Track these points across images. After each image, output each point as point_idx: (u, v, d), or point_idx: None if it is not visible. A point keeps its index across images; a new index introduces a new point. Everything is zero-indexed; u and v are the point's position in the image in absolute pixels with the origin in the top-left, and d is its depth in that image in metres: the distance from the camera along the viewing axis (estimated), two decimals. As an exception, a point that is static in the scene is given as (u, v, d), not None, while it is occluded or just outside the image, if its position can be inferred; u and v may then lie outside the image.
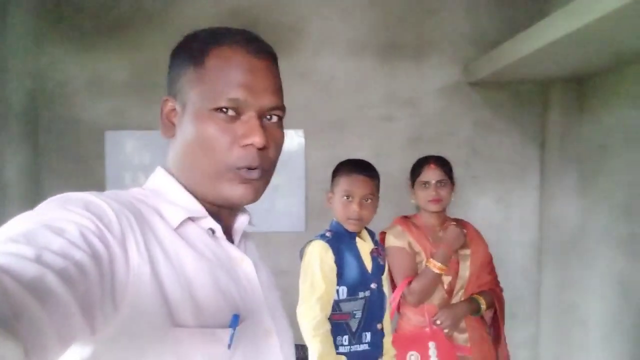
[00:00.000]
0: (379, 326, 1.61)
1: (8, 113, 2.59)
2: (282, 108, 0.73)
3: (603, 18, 1.69)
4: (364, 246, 1.64)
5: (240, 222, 0.79)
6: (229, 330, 0.63)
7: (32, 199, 2.65)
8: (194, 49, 0.71)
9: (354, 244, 1.62)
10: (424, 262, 1.80)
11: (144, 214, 0.66)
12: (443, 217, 1.93)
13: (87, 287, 0.49)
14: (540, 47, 2.10)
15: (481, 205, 2.92)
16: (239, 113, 0.69)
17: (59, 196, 0.60)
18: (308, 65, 2.87)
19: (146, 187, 0.75)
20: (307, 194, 2.89)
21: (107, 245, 0.55)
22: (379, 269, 1.67)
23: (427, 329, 1.76)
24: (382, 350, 1.64)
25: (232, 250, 0.73)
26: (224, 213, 0.75)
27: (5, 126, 2.59)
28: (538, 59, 2.33)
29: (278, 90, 0.73)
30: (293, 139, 2.88)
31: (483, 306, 1.81)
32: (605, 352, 2.55)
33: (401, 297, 1.82)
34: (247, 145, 0.68)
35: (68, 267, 0.48)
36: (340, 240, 1.59)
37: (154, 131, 2.83)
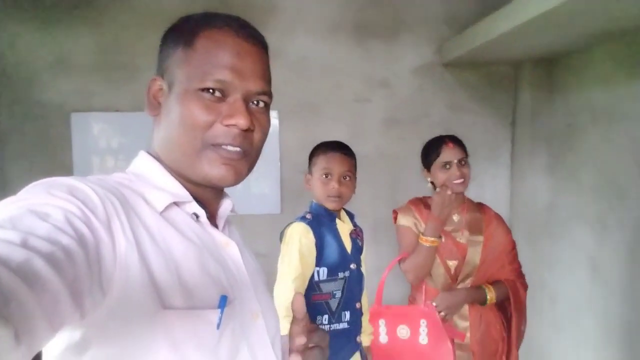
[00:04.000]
0: (357, 305, 1.63)
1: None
2: (269, 94, 0.75)
3: (574, -1, 1.70)
4: (344, 227, 1.65)
5: (224, 208, 0.80)
6: (218, 312, 0.64)
7: (-6, 185, 2.54)
8: (185, 30, 0.71)
9: (334, 225, 1.62)
10: None
11: (129, 199, 0.65)
12: (461, 199, 1.83)
13: (74, 272, 0.49)
14: (512, 28, 2.11)
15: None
16: (225, 95, 0.69)
17: (42, 181, 0.59)
18: (281, 45, 2.82)
19: (129, 171, 0.74)
20: (282, 175, 2.87)
21: (93, 230, 0.55)
22: (357, 250, 1.68)
23: (422, 306, 1.75)
24: (361, 328, 1.66)
25: (217, 234, 0.74)
26: (208, 198, 0.76)
27: (-38, 108, 2.46)
28: (510, 40, 2.35)
29: (266, 77, 0.74)
30: (267, 121, 2.83)
31: (489, 296, 1.74)
32: (574, 327, 2.64)
33: (413, 286, 1.82)
34: (230, 125, 0.69)
35: (55, 252, 0.47)
36: (321, 222, 1.60)
37: (122, 113, 2.74)
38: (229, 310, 0.66)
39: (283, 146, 2.85)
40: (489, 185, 3.05)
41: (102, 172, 2.10)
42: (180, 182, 0.72)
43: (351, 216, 1.74)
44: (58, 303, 0.46)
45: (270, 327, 0.76)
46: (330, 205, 1.60)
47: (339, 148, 1.62)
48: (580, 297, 2.58)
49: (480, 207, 1.90)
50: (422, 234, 1.74)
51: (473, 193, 2.96)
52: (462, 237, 1.80)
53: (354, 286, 1.62)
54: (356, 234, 1.70)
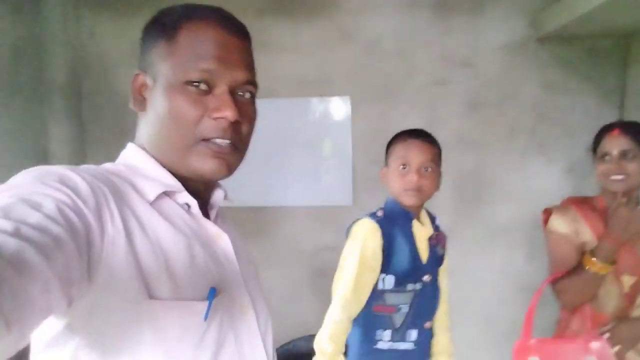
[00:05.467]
0: (427, 324, 1.41)
1: (50, 85, 2.57)
2: (254, 84, 0.75)
3: None
4: (421, 231, 1.43)
5: (216, 198, 0.80)
6: (206, 303, 0.64)
7: (76, 173, 2.65)
8: (167, 23, 0.71)
9: (410, 227, 1.41)
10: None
11: (119, 188, 0.65)
12: (635, 201, 1.48)
13: (64, 262, 0.50)
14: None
15: (548, 177, 2.61)
16: (210, 87, 0.69)
17: (33, 169, 0.59)
18: (352, 25, 2.63)
19: (118, 162, 0.74)
20: (354, 165, 2.70)
21: (84, 220, 0.56)
22: (435, 259, 1.45)
23: (584, 341, 1.38)
24: (430, 351, 1.46)
25: (209, 225, 0.74)
26: (199, 188, 0.75)
27: (48, 99, 2.57)
28: (619, 8, 1.99)
29: (251, 66, 0.74)
30: (338, 107, 2.69)
31: None
32: None
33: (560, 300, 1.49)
34: (218, 118, 0.69)
35: (46, 242, 0.48)
36: (394, 222, 1.40)
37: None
38: (217, 302, 0.67)
39: (355, 135, 2.69)
40: (590, 177, 2.65)
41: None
42: (170, 172, 0.71)
43: (433, 219, 1.52)
44: (48, 292, 0.47)
45: (261, 320, 0.76)
46: (408, 200, 1.38)
47: (419, 135, 1.42)
48: None
49: None
50: (591, 255, 1.36)
51: (572, 186, 2.63)
52: None
53: (425, 302, 1.40)
54: (436, 240, 1.47)
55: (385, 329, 1.37)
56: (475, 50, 2.61)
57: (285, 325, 2.70)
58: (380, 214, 1.41)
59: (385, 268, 1.35)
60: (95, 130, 2.78)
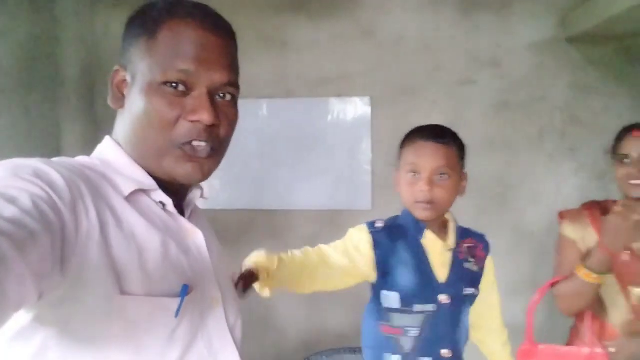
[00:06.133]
0: (444, 353, 1.20)
1: (63, 82, 2.51)
2: (236, 86, 0.73)
3: None
4: (435, 244, 1.22)
5: (192, 196, 0.80)
6: (178, 300, 0.65)
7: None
8: (148, 21, 0.70)
9: (419, 239, 1.22)
10: None
11: (95, 182, 0.65)
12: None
13: (38, 256, 0.50)
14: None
15: (578, 182, 2.49)
16: (189, 88, 0.68)
17: (7, 162, 0.58)
18: (373, 23, 2.54)
19: (94, 157, 0.74)
20: (374, 168, 2.60)
21: (58, 214, 0.55)
22: (461, 277, 1.23)
23: (587, 350, 1.32)
24: None
25: (183, 222, 0.74)
26: (175, 186, 0.74)
27: (62, 96, 2.51)
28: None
29: (232, 67, 0.72)
30: (358, 108, 2.60)
31: None
32: None
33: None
34: (194, 121, 0.67)
35: (21, 236, 0.48)
36: (401, 234, 1.22)
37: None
38: (189, 298, 0.67)
39: (375, 136, 2.59)
40: (623, 183, 2.54)
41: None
42: (145, 171, 0.71)
43: (461, 231, 1.29)
44: (22, 285, 0.47)
45: (230, 314, 0.76)
46: (420, 214, 1.19)
47: (433, 135, 1.20)
48: None
49: None
50: (583, 264, 1.30)
51: (603, 193, 2.47)
52: None
53: (441, 326, 1.19)
54: (469, 253, 1.26)
55: (394, 353, 1.20)
56: (502, 50, 2.50)
57: (300, 333, 2.61)
58: (379, 224, 1.25)
59: (387, 283, 1.19)
60: (109, 129, 2.71)
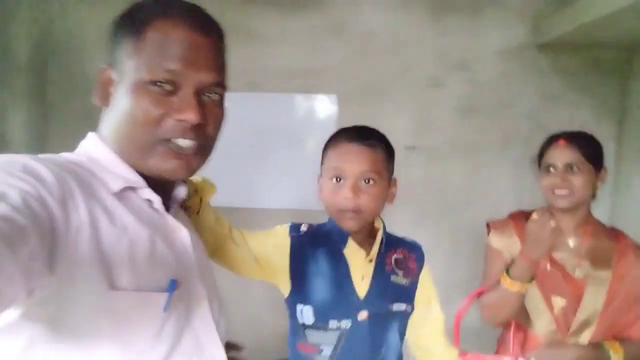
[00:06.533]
0: None
1: (12, 64, 2.35)
2: (223, 85, 0.75)
3: None
4: (357, 255, 1.09)
5: (178, 192, 0.81)
6: (166, 295, 0.65)
7: (36, 161, 2.44)
8: (135, 20, 0.70)
9: (341, 249, 1.10)
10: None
11: (84, 178, 0.65)
12: (580, 219, 1.38)
13: (28, 253, 0.50)
14: (634, 2, 1.64)
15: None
16: (176, 88, 0.69)
17: None
18: (343, 19, 2.46)
19: (79, 153, 0.74)
20: (338, 168, 2.54)
21: (48, 211, 0.56)
22: (387, 291, 1.10)
23: None
24: None
25: (169, 219, 0.75)
26: (162, 183, 0.75)
27: (9, 79, 2.35)
28: (626, 18, 1.87)
29: (219, 67, 0.74)
30: (325, 105, 2.52)
31: (615, 358, 1.27)
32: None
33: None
34: (180, 120, 0.69)
35: (11, 233, 0.48)
36: (323, 241, 1.11)
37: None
38: (177, 294, 0.67)
39: (341, 135, 2.52)
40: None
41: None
42: (132, 168, 0.72)
43: (390, 239, 1.17)
44: (12, 284, 0.47)
45: (214, 311, 0.77)
46: (345, 223, 1.07)
47: (357, 137, 1.06)
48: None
49: (612, 232, 1.42)
50: (507, 273, 1.27)
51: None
52: (579, 270, 1.33)
53: (358, 346, 1.06)
54: (398, 266, 1.13)
55: None
56: (471, 53, 2.47)
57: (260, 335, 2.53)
58: (304, 228, 1.14)
59: (301, 296, 1.08)
60: (60, 116, 2.57)
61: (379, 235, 1.14)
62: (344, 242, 1.10)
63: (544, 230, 1.19)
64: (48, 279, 0.55)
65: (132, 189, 0.71)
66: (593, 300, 1.31)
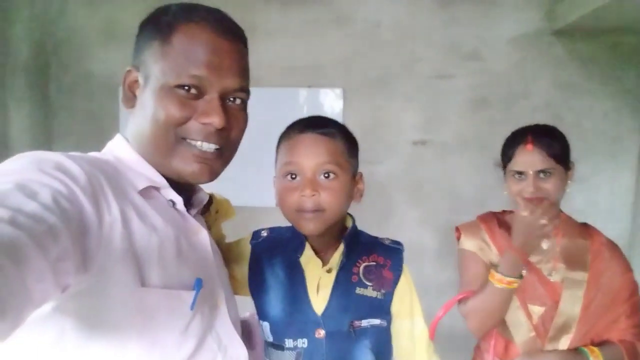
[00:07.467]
0: None
1: (13, 63, 2.33)
2: (246, 91, 0.76)
3: None
4: (314, 265, 0.95)
5: (199, 197, 0.83)
6: (192, 293, 0.67)
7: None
8: (162, 24, 0.71)
9: (297, 258, 0.95)
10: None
11: (113, 176, 0.67)
12: (554, 215, 1.27)
13: (59, 251, 0.50)
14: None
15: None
16: (201, 92, 0.70)
17: (29, 154, 0.59)
18: (349, 10, 2.39)
19: (105, 152, 0.75)
20: (344, 164, 2.47)
21: (80, 208, 0.57)
22: (350, 306, 0.93)
23: None
24: None
25: (191, 220, 0.76)
26: (184, 185, 0.76)
27: (10, 78, 2.34)
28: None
29: (243, 72, 0.74)
30: (330, 99, 2.45)
31: None
32: None
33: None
34: (205, 123, 0.70)
35: (42, 231, 0.49)
36: (280, 249, 0.98)
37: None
38: (201, 293, 0.68)
39: (347, 129, 2.45)
40: (605, 190, 2.41)
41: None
42: (156, 170, 0.73)
43: (369, 246, 1.00)
44: (42, 281, 0.48)
45: (232, 313, 0.77)
46: (304, 226, 0.91)
47: (311, 126, 0.93)
48: None
49: (584, 230, 1.33)
50: (495, 269, 1.20)
51: (585, 197, 2.37)
52: (555, 273, 1.26)
53: None
54: (367, 276, 0.96)
55: None
56: (483, 43, 2.36)
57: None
58: (264, 234, 1.03)
59: (262, 312, 0.95)
60: (63, 115, 2.55)
61: (343, 240, 0.97)
62: (301, 249, 0.95)
63: (537, 223, 1.15)
64: (82, 277, 0.56)
65: (155, 189, 0.72)
66: (570, 304, 1.24)
